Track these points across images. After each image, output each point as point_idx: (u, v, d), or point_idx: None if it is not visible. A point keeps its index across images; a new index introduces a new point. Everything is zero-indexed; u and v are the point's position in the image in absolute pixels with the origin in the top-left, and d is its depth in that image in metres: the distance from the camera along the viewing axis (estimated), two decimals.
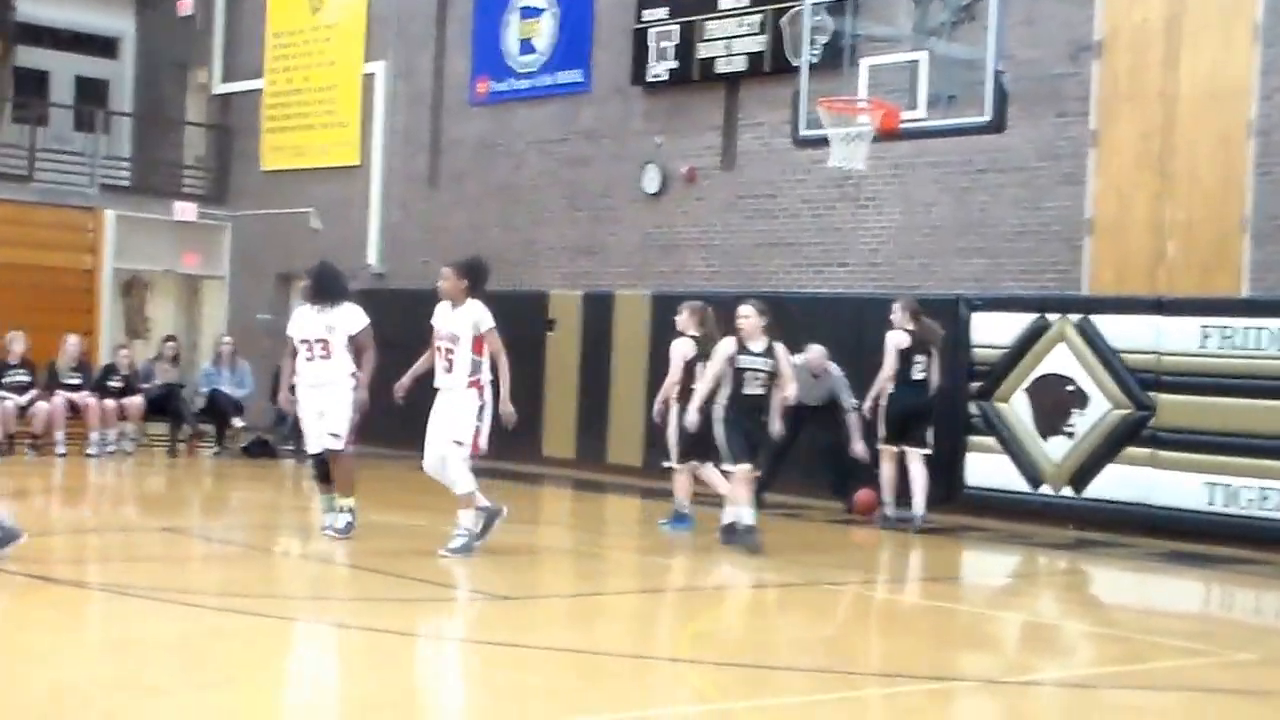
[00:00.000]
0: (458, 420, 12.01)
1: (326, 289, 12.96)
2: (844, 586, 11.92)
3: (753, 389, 13.13)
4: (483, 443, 12.08)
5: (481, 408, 12.07)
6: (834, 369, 16.94)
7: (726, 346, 13.24)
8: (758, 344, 13.22)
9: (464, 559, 11.86)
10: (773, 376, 13.23)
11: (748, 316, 13.23)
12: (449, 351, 12.16)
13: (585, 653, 8.99)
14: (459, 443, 11.98)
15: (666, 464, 14.54)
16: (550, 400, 21.26)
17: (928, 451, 15.77)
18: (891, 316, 15.93)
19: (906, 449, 15.74)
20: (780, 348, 13.37)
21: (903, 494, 15.83)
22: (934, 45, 15.64)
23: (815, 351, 16.91)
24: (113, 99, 29.62)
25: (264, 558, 12.82)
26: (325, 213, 25.46)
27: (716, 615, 10.37)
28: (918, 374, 15.73)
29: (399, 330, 23.10)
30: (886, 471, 15.88)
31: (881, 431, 15.86)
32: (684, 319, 14.57)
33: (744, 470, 13.05)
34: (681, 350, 14.38)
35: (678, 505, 14.46)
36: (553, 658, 8.76)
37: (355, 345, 12.84)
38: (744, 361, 13.12)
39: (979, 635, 10.65)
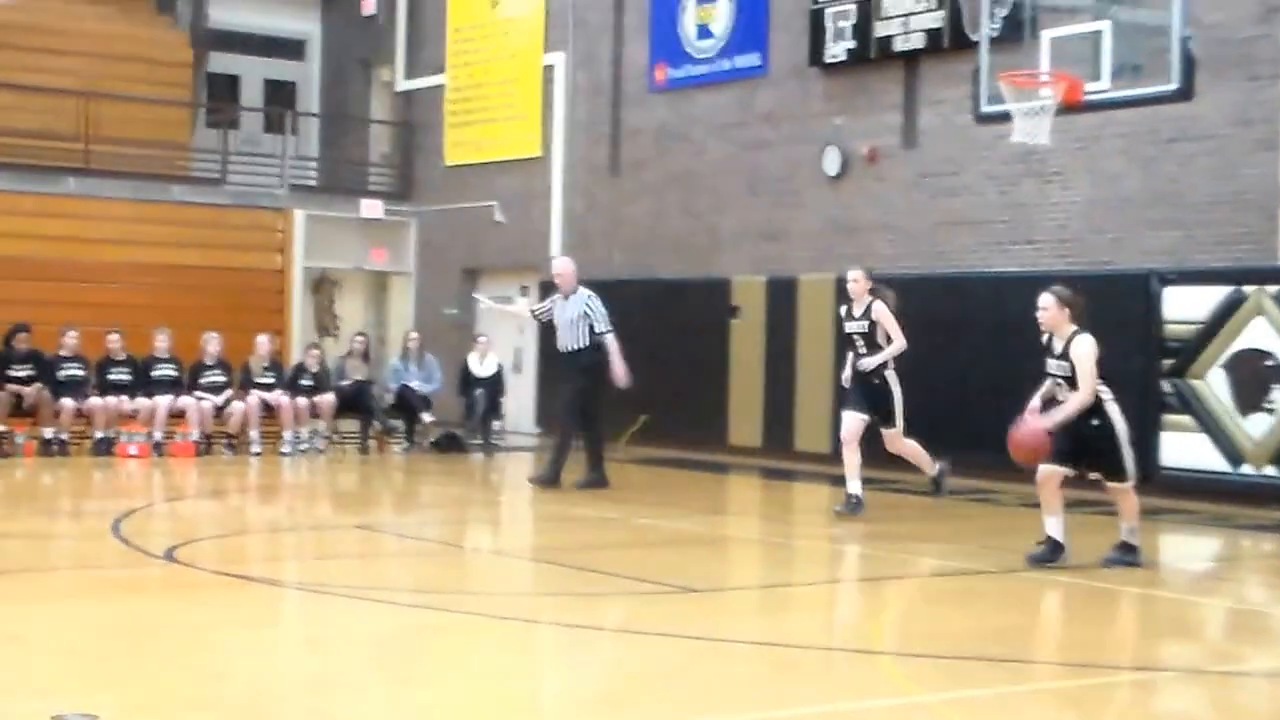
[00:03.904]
0: None
1: None
2: (1038, 574, 11.70)
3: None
4: None
5: None
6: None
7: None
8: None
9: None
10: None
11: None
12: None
13: (777, 645, 8.94)
14: None
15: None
16: (735, 388, 21.21)
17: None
18: (1050, 310, 11.60)
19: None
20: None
21: None
22: (1117, 14, 15.26)
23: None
24: (300, 100, 30.16)
25: (457, 554, 12.95)
26: (508, 205, 25.65)
27: (907, 604, 10.25)
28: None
29: None
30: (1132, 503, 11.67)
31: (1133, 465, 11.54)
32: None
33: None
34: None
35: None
36: (745, 650, 8.72)
37: None
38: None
39: (1182, 623, 10.41)
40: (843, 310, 15.16)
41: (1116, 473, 11.47)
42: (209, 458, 19.59)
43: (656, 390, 21.88)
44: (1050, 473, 11.48)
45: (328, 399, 20.91)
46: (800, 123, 21.34)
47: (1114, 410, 11.42)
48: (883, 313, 14.62)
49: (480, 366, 21.96)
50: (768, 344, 20.97)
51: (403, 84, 28.14)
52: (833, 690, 7.70)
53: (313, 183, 28.05)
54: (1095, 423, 11.36)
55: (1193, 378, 16.36)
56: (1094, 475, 11.62)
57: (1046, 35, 15.52)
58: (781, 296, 20.80)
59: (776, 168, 21.68)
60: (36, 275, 23.35)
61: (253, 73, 30.01)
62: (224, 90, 29.52)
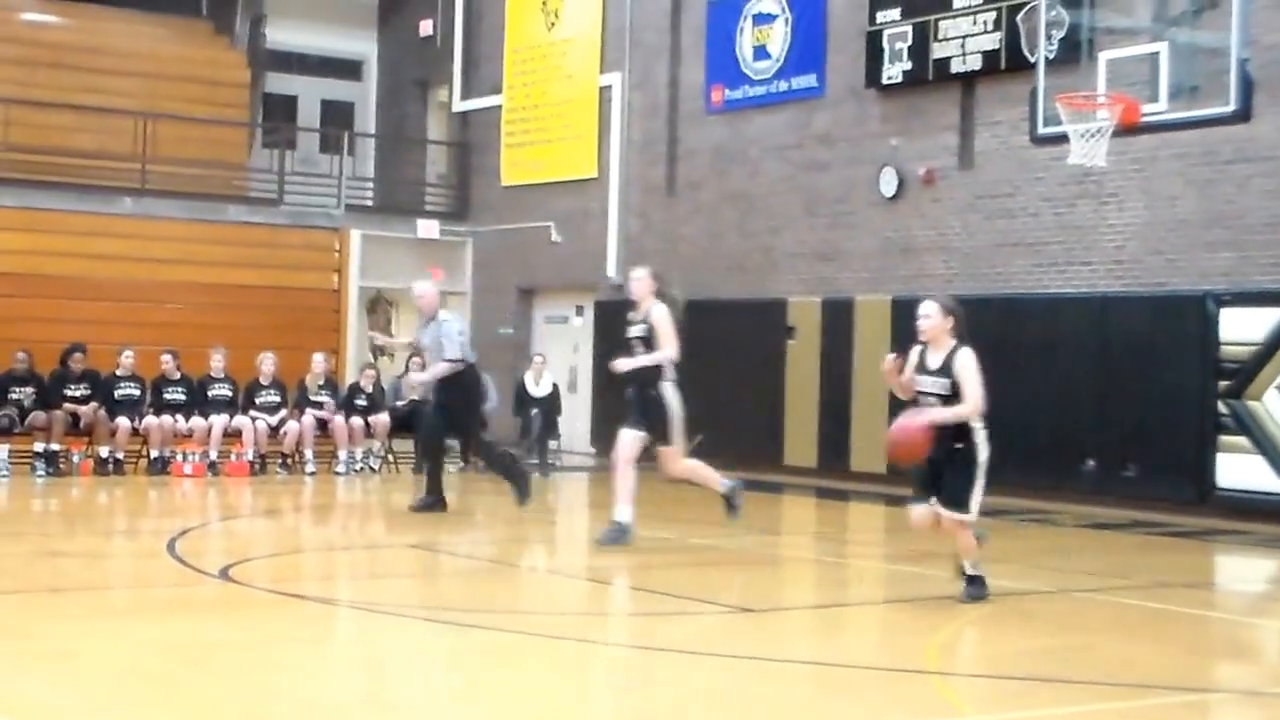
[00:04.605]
0: None
1: None
2: (1092, 594, 11.64)
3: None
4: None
5: None
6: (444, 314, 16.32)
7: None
8: None
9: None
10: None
11: None
12: None
13: (832, 665, 8.91)
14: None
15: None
16: (791, 408, 21.19)
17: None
18: (934, 318, 10.68)
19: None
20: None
21: None
22: (1174, 35, 15.21)
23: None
24: (357, 120, 30.36)
25: (510, 573, 12.95)
26: (564, 225, 25.73)
27: (961, 624, 10.20)
28: None
29: None
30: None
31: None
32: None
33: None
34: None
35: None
36: (800, 671, 8.70)
37: None
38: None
39: (1238, 644, 10.33)
40: (630, 314, 13.85)
41: (957, 503, 10.40)
42: (263, 477, 19.67)
43: (711, 410, 21.87)
44: (923, 515, 10.62)
45: (382, 419, 20.98)
46: (856, 144, 21.32)
47: (981, 439, 10.45)
48: (660, 318, 13.41)
49: (536, 386, 22.00)
50: (823, 364, 20.95)
51: (459, 104, 28.29)
52: (887, 711, 7.67)
53: (369, 203, 28.21)
54: (959, 446, 10.46)
55: (1249, 399, 16.26)
56: (934, 502, 10.53)
57: (1103, 57, 15.48)
58: (837, 317, 20.79)
59: (833, 188, 21.66)
60: (93, 295, 23.58)
61: (310, 93, 30.26)
62: (281, 110, 29.77)
